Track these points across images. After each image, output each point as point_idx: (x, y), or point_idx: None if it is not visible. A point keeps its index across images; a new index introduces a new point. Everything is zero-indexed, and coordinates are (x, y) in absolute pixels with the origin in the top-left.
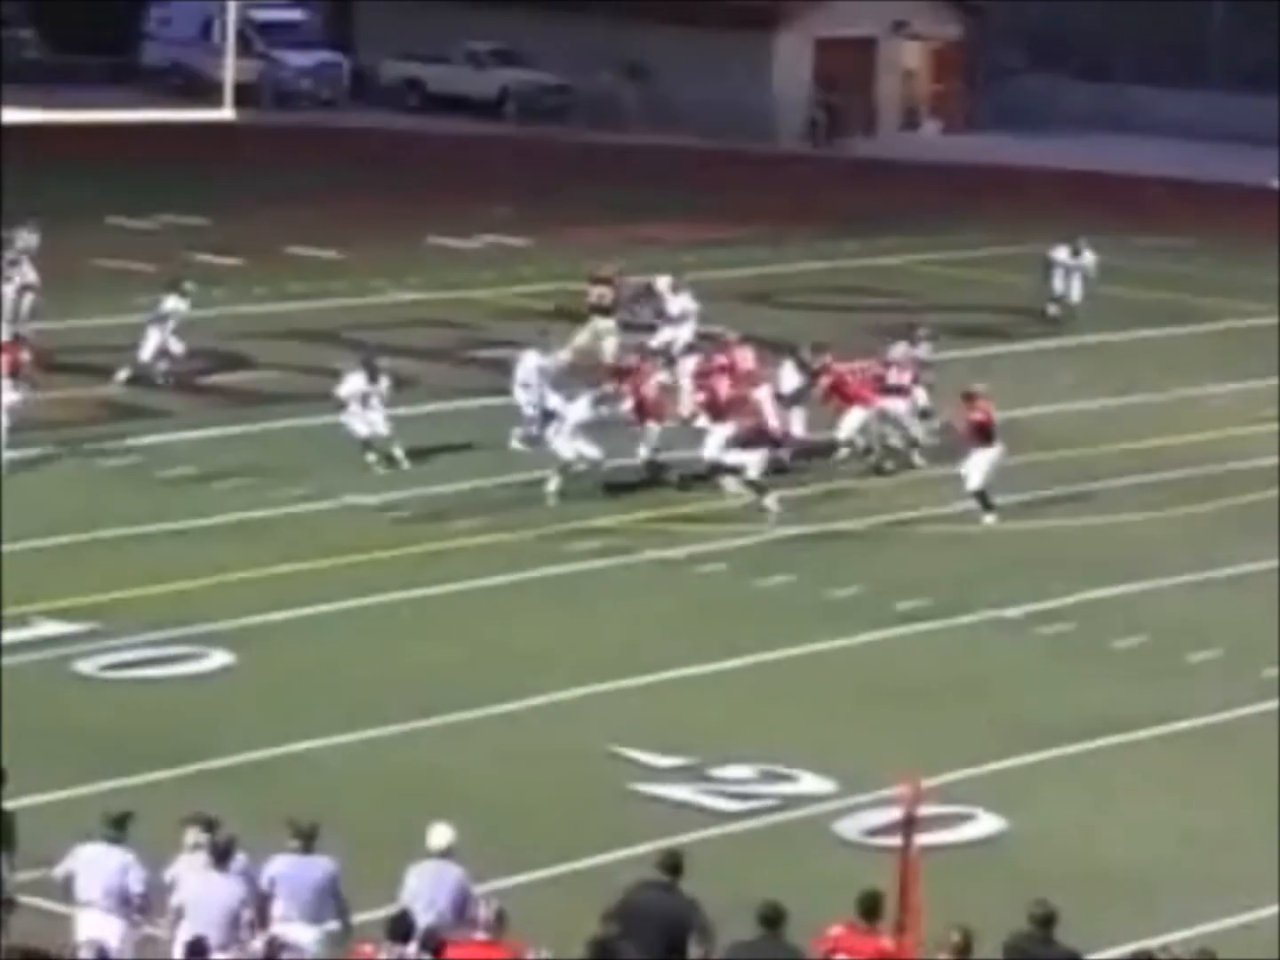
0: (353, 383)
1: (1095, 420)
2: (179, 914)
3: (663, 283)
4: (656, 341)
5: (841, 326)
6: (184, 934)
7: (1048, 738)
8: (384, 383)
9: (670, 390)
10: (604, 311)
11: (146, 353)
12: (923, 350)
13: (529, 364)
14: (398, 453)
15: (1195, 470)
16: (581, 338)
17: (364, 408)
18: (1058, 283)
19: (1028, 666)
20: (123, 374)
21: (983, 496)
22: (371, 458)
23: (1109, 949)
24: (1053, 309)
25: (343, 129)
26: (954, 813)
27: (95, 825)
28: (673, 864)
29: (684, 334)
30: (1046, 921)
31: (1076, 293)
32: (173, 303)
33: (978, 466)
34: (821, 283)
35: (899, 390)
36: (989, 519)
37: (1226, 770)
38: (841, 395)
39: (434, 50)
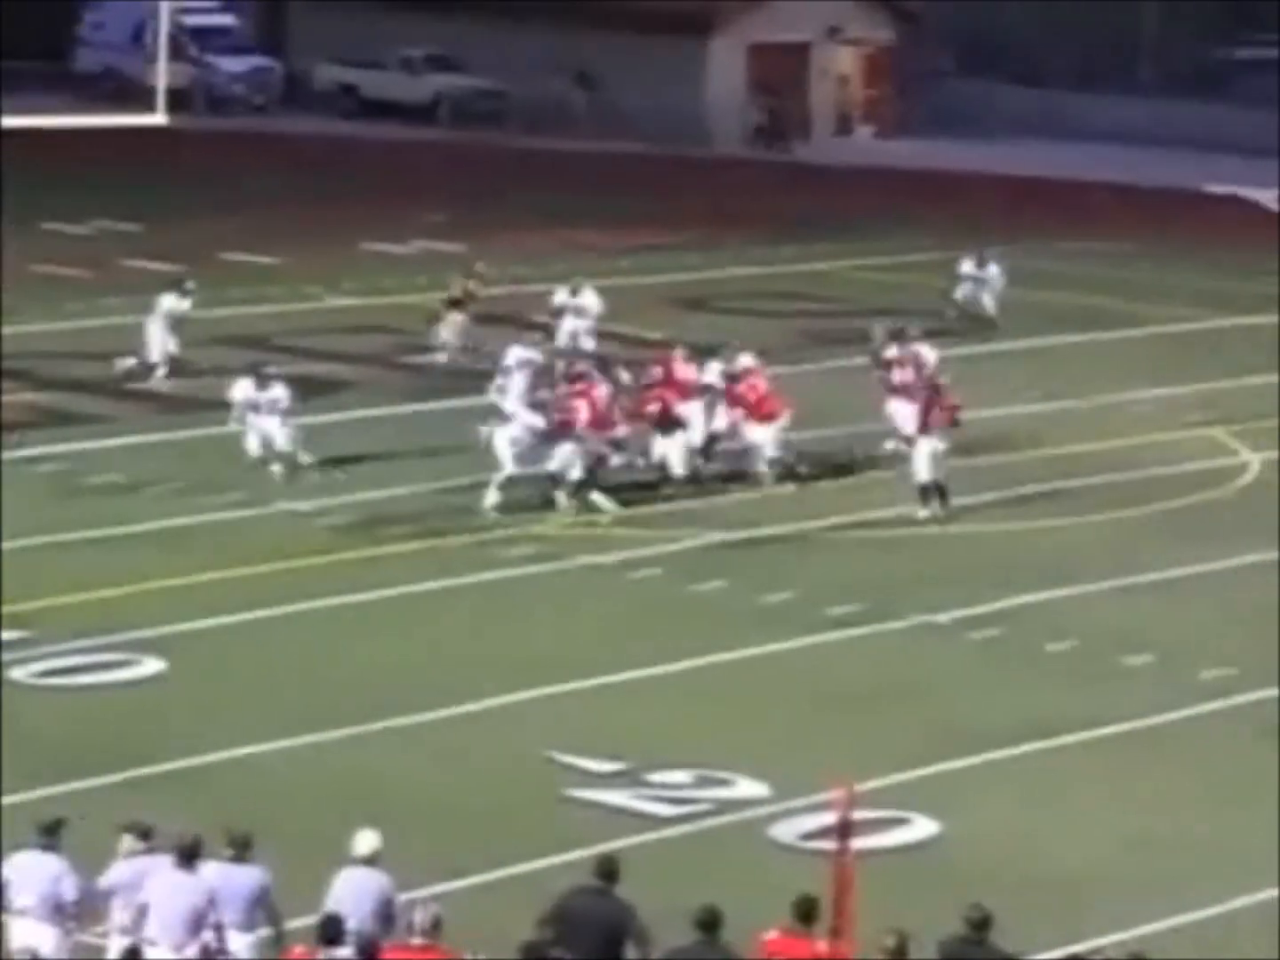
0: (241, 388)
1: (1024, 425)
2: (143, 913)
3: (560, 296)
4: (561, 340)
5: (777, 332)
6: (151, 933)
7: (981, 742)
8: (277, 389)
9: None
10: (457, 305)
11: (154, 353)
12: (924, 351)
13: (514, 356)
14: (305, 459)
15: (1122, 475)
16: (444, 332)
17: (256, 414)
18: (960, 293)
19: (960, 671)
20: (123, 364)
21: (925, 491)
22: (276, 469)
23: (1042, 952)
24: (952, 312)
25: (276, 134)
26: (888, 817)
27: (28, 833)
28: (608, 869)
29: (583, 328)
30: (982, 925)
31: (990, 304)
32: (171, 301)
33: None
34: (757, 288)
35: (903, 390)
36: (923, 513)
37: (1159, 774)
38: (747, 405)
39: (367, 55)
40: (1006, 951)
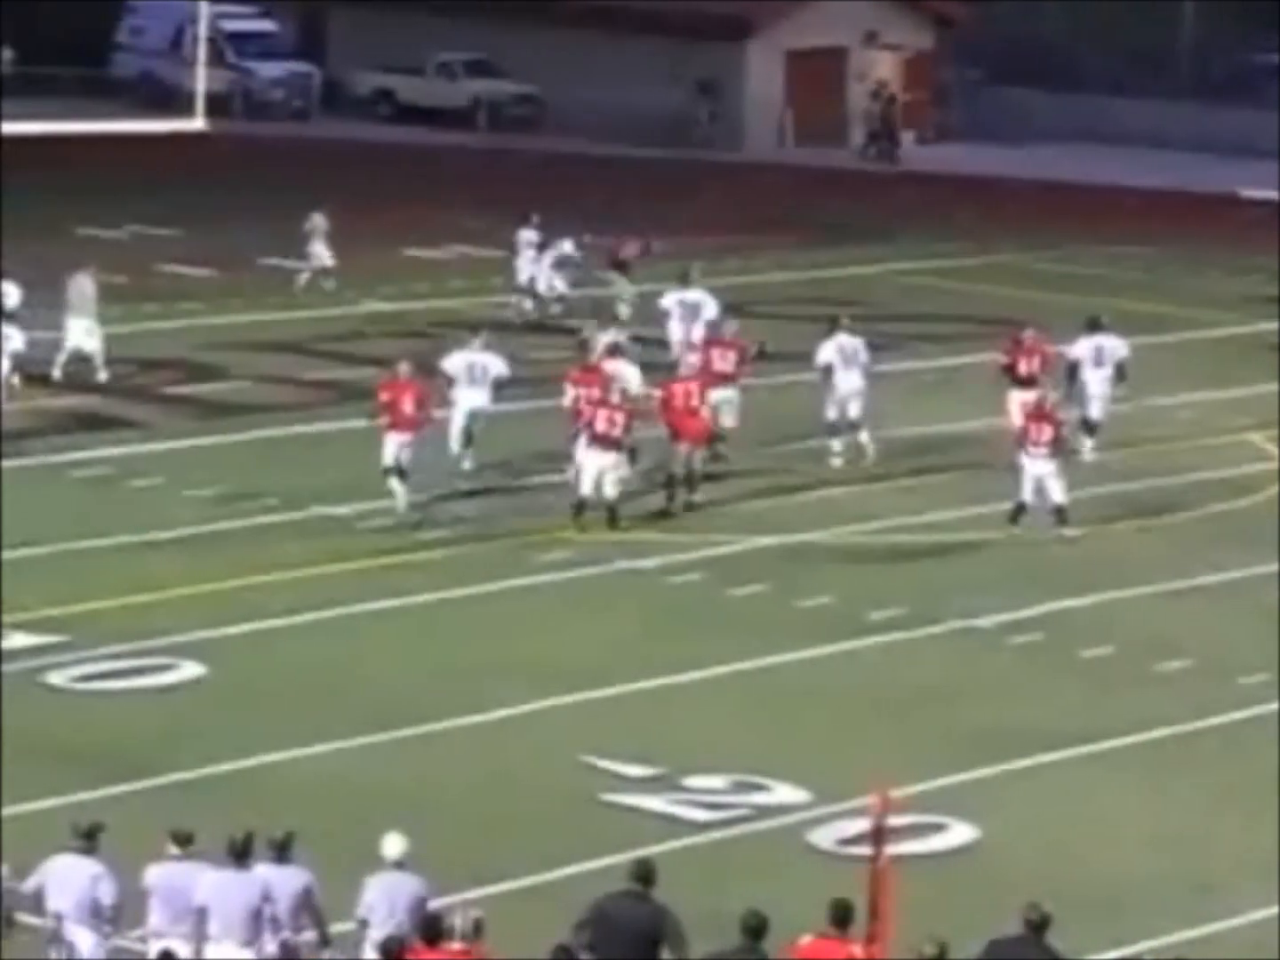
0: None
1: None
2: (202, 917)
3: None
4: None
5: (816, 337)
6: (212, 931)
7: (1019, 747)
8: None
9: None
10: (620, 267)
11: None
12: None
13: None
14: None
15: (1160, 481)
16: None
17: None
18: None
19: (999, 676)
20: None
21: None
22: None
23: (1082, 956)
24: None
25: (314, 139)
26: (926, 822)
27: (66, 837)
28: (644, 873)
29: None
30: (1041, 926)
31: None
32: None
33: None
34: (795, 293)
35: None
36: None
37: (1197, 779)
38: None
39: (405, 61)
40: (1061, 954)
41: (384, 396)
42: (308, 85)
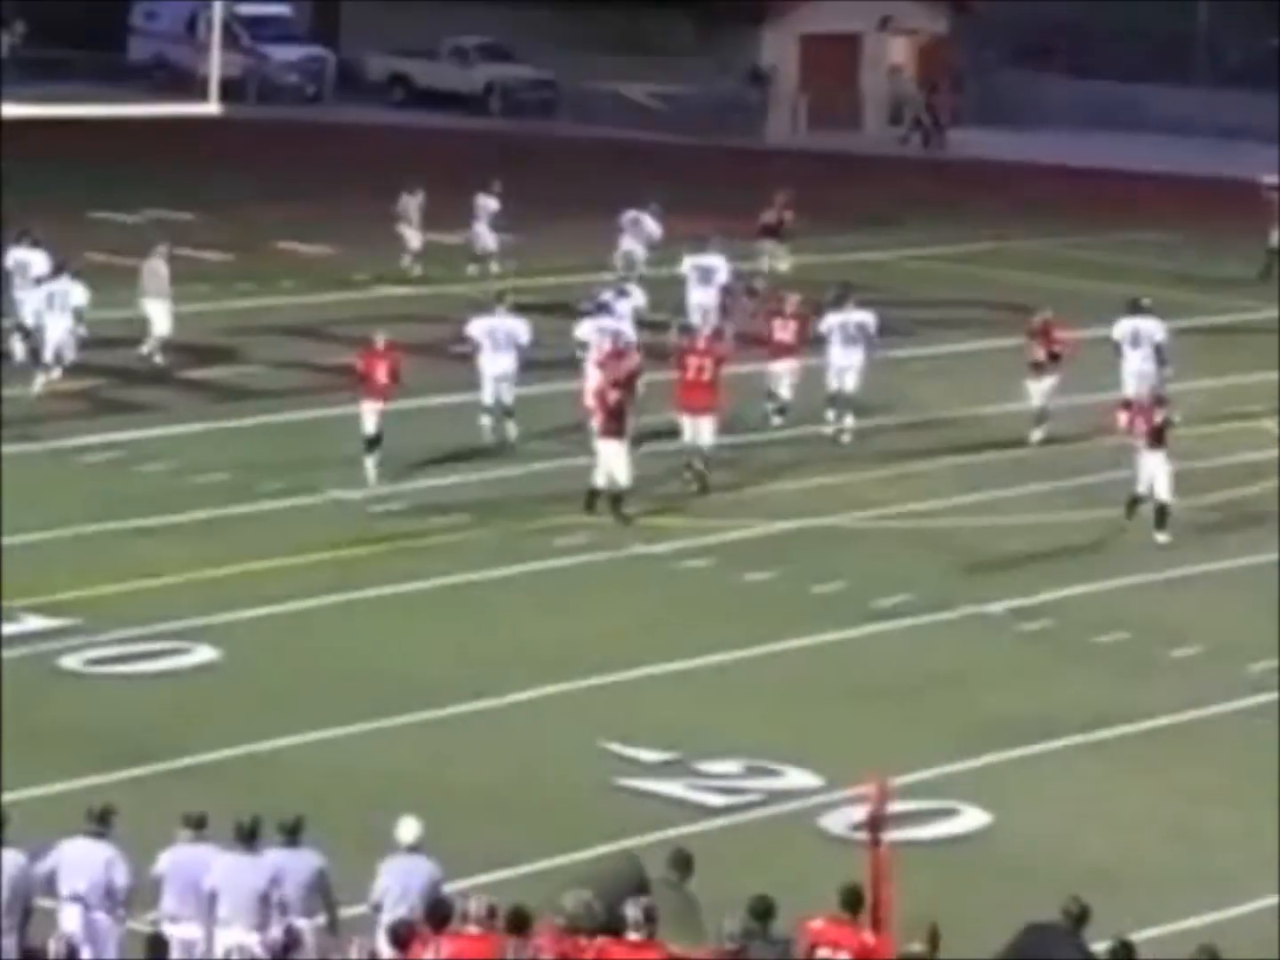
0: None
1: (1074, 416)
2: (213, 900)
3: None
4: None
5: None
6: (221, 914)
7: (1030, 733)
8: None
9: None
10: (772, 232)
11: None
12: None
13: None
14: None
15: (1175, 466)
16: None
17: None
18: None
19: (1010, 662)
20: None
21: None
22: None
23: (1091, 943)
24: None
25: (328, 124)
26: (936, 808)
27: (79, 820)
28: (682, 862)
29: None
30: (1080, 918)
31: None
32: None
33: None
34: (810, 278)
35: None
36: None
37: (1207, 765)
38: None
39: (419, 45)
40: (1091, 951)
41: (360, 367)
42: (322, 70)
